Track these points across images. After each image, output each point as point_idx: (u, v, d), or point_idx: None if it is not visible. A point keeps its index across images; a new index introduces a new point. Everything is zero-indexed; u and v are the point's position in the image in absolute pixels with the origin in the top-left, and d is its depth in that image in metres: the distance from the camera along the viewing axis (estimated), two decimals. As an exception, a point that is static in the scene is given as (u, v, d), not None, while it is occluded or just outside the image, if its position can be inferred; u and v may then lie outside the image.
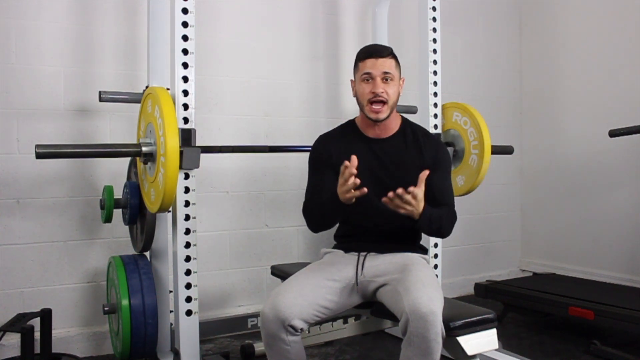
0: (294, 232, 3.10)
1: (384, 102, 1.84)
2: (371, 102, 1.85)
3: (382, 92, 1.83)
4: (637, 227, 3.21)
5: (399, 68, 1.91)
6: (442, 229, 1.85)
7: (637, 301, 2.59)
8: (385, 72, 1.84)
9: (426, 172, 1.69)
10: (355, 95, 1.92)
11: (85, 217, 2.59)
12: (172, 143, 1.80)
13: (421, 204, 1.70)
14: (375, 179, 1.84)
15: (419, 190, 1.66)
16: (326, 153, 1.94)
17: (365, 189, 1.64)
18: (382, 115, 1.85)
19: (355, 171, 1.63)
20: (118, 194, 2.29)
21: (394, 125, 1.94)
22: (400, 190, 1.63)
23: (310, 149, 2.03)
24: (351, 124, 2.01)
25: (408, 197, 1.64)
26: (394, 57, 1.89)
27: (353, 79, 1.93)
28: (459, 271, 3.65)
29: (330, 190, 1.91)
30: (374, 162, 1.89)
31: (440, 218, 1.82)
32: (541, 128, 3.87)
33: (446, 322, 1.59)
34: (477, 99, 3.49)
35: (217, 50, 2.89)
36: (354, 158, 1.63)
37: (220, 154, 2.71)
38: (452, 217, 1.89)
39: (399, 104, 2.88)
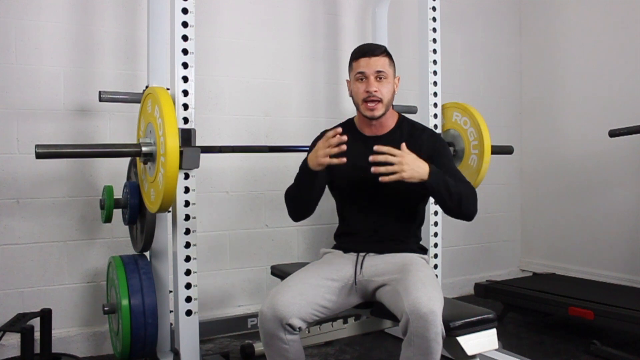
0: (294, 232, 3.10)
1: (378, 100, 1.84)
2: (366, 101, 1.85)
3: (376, 91, 1.83)
4: (637, 227, 3.21)
5: (394, 66, 1.91)
6: (463, 199, 1.74)
7: (637, 301, 2.59)
8: (379, 71, 1.84)
9: (404, 144, 1.69)
10: (351, 95, 1.92)
11: (85, 217, 2.59)
12: (172, 143, 1.80)
13: (414, 162, 1.67)
14: (373, 176, 1.83)
15: (386, 149, 1.66)
16: None
17: (345, 159, 1.67)
18: (377, 113, 1.85)
19: (345, 138, 1.67)
20: (118, 194, 2.29)
21: (391, 123, 1.95)
22: (376, 147, 1.66)
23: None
24: (350, 122, 2.02)
25: (383, 156, 1.64)
26: (388, 55, 1.89)
27: (348, 78, 1.94)
28: (459, 271, 3.65)
29: (319, 186, 1.89)
30: (369, 161, 1.88)
31: (456, 185, 1.74)
32: (541, 128, 3.87)
33: (446, 322, 1.59)
34: (477, 99, 3.50)
35: (217, 50, 2.89)
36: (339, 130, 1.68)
37: (220, 154, 2.71)
38: (472, 189, 1.79)
39: (398, 103, 2.91)
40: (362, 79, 1.86)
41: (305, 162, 1.80)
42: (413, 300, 1.53)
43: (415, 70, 2.69)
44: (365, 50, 1.87)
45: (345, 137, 1.67)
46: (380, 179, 1.65)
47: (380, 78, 1.84)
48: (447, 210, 1.79)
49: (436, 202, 1.79)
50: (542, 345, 2.67)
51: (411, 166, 1.66)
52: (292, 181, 3.00)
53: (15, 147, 2.46)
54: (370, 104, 1.84)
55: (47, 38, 2.51)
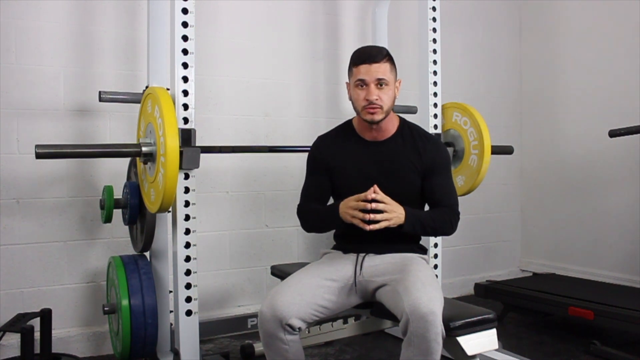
0: (294, 232, 3.10)
1: (379, 107, 1.82)
2: (366, 108, 1.82)
3: (377, 99, 1.80)
4: (637, 227, 3.21)
5: (395, 70, 1.87)
6: (439, 229, 1.86)
7: (637, 301, 2.59)
8: (380, 79, 1.79)
9: (375, 187, 1.72)
10: (351, 99, 1.89)
11: (85, 217, 2.59)
12: (172, 143, 1.80)
13: (397, 209, 1.73)
14: (371, 181, 1.83)
15: (381, 197, 1.71)
16: (321, 156, 1.95)
17: (368, 228, 1.70)
18: (378, 117, 1.83)
19: (372, 216, 1.70)
20: (118, 194, 2.29)
21: (392, 127, 1.92)
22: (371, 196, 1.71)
23: (310, 149, 2.04)
24: (349, 125, 1.99)
25: (373, 205, 1.69)
26: (389, 59, 1.84)
27: (348, 81, 1.90)
28: (459, 271, 3.65)
29: (323, 193, 1.95)
30: (371, 166, 1.88)
31: (432, 219, 1.82)
32: (541, 128, 3.87)
33: (446, 322, 1.59)
34: (477, 99, 3.50)
35: (217, 50, 2.89)
36: (376, 189, 1.71)
37: (220, 154, 2.71)
38: (451, 216, 1.87)
39: (398, 103, 2.91)
40: (362, 86, 1.82)
41: (337, 210, 1.78)
42: (413, 300, 1.53)
43: (415, 70, 2.69)
44: (366, 57, 1.81)
45: (372, 206, 1.70)
46: (371, 227, 1.69)
47: (382, 85, 1.80)
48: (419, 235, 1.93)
49: None
50: (542, 345, 2.67)
51: (396, 213, 1.72)
52: (292, 181, 3.01)
53: (15, 147, 2.46)
54: (370, 110, 1.82)
55: (47, 38, 2.51)
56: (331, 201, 1.97)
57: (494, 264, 3.87)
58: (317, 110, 3.18)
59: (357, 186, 1.80)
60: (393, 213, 1.71)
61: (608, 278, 3.28)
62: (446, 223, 1.86)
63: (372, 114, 1.82)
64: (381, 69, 1.80)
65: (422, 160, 1.88)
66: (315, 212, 1.92)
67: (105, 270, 2.44)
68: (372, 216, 1.68)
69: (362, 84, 1.81)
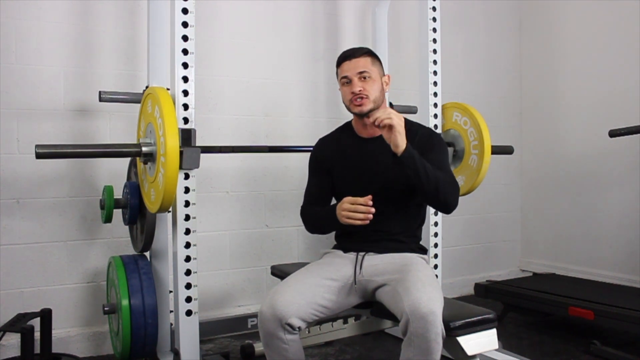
0: (294, 232, 3.10)
1: (364, 97, 1.85)
2: (353, 102, 1.87)
3: (361, 90, 1.84)
4: (637, 227, 3.21)
5: (379, 65, 1.92)
6: (440, 184, 1.74)
7: (637, 301, 2.59)
8: (361, 72, 1.85)
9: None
10: (343, 101, 1.93)
11: (85, 217, 2.59)
12: (172, 143, 1.80)
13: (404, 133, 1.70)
14: (369, 178, 1.85)
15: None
16: (322, 157, 1.99)
17: (368, 221, 1.71)
18: (365, 108, 1.85)
19: (373, 210, 1.69)
20: (118, 194, 2.29)
21: None
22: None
23: (310, 149, 2.08)
24: (348, 125, 2.04)
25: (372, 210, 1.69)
26: (370, 54, 1.90)
27: (339, 87, 1.95)
28: (459, 271, 3.65)
29: (324, 194, 1.97)
30: (367, 162, 1.91)
31: (434, 171, 1.74)
32: (541, 128, 3.87)
33: (446, 322, 1.59)
34: (477, 99, 3.49)
35: (217, 50, 2.89)
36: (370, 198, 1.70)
37: (220, 154, 2.71)
38: (452, 180, 1.83)
39: (399, 103, 2.91)
40: (347, 83, 1.88)
41: (335, 212, 1.78)
42: (413, 300, 1.53)
43: (415, 70, 2.69)
44: (346, 55, 1.89)
45: (372, 210, 1.70)
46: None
47: (365, 78, 1.85)
48: (425, 195, 1.78)
49: (415, 186, 1.77)
50: (542, 345, 2.67)
51: (402, 135, 1.69)
52: (292, 181, 3.01)
53: (15, 147, 2.46)
54: (357, 101, 1.86)
55: (47, 38, 2.51)
56: (333, 201, 1.99)
57: (494, 264, 3.86)
58: (317, 110, 3.18)
59: (354, 185, 1.82)
60: (394, 116, 1.68)
61: (608, 278, 3.28)
62: (449, 184, 1.78)
63: (360, 105, 1.85)
64: (361, 62, 1.86)
65: (414, 146, 1.86)
66: (315, 214, 1.94)
67: (105, 270, 2.44)
68: (370, 216, 1.69)
69: (347, 80, 1.88)
